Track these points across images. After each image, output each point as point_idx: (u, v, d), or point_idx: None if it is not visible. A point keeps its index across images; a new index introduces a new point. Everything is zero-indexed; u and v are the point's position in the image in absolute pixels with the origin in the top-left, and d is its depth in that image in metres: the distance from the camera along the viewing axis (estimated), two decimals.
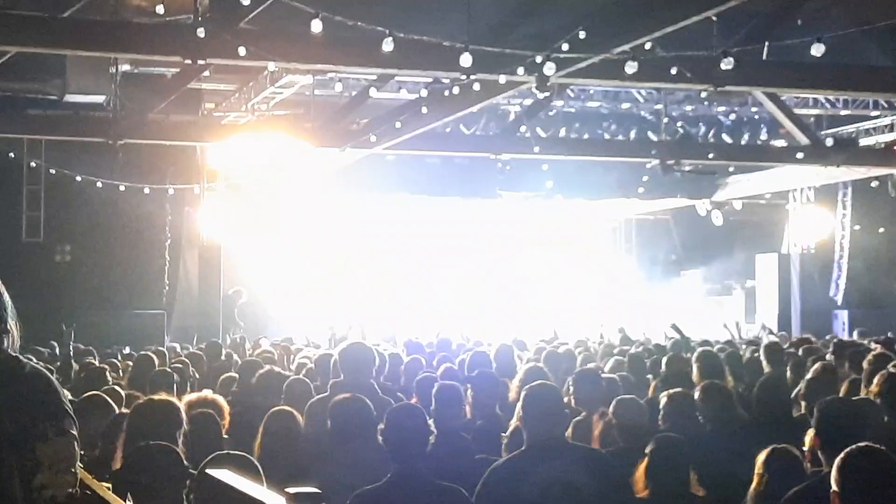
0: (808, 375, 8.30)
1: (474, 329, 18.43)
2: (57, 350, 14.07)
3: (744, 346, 13.08)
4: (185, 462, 4.60)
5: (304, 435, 6.77)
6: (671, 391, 7.09)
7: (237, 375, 9.60)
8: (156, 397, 5.89)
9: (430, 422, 5.42)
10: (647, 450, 5.48)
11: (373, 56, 10.58)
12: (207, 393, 7.14)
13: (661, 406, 6.83)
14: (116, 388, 9.24)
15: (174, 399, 6.04)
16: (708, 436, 6.73)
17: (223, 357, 12.77)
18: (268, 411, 6.52)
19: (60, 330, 14.69)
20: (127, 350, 15.46)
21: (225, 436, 6.26)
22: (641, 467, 5.45)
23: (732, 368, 9.96)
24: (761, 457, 5.10)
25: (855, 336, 16.85)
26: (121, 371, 12.00)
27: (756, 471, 5.07)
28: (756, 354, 11.06)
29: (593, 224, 28.14)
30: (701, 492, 5.44)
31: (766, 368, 10.05)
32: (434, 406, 6.68)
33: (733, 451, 6.22)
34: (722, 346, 12.49)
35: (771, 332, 17.47)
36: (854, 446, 3.95)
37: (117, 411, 6.62)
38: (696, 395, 6.99)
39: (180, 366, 10.42)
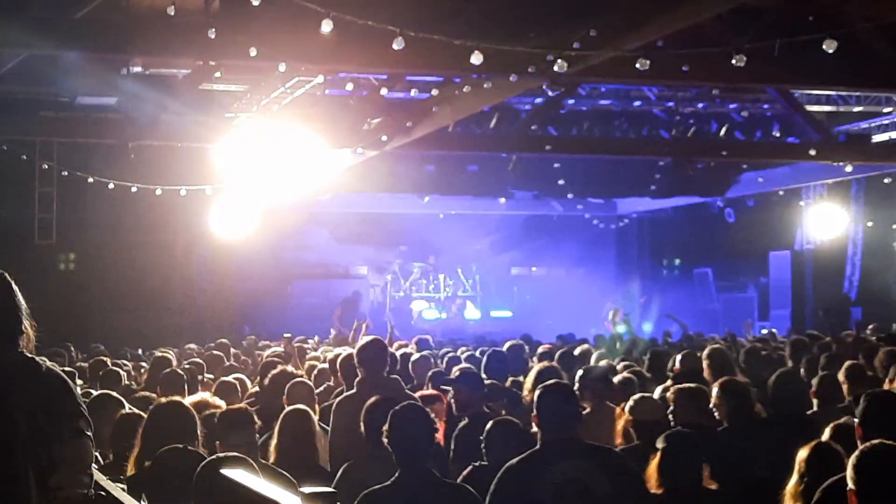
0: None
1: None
2: (72, 350, 14.10)
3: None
4: None
5: (333, 434, 6.84)
6: (681, 385, 7.09)
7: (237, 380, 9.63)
8: (172, 399, 5.88)
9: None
10: (660, 445, 5.48)
11: (384, 55, 10.56)
12: (205, 396, 7.15)
13: (671, 401, 6.83)
14: (128, 388, 9.29)
15: (186, 402, 6.04)
16: (722, 432, 6.72)
17: (232, 359, 12.80)
18: (280, 411, 6.55)
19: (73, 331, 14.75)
20: (139, 351, 15.49)
21: None
22: (654, 463, 5.44)
23: (748, 365, 9.95)
24: (802, 454, 4.99)
25: (869, 332, 16.77)
26: (131, 372, 12.04)
27: (797, 469, 4.97)
28: (779, 353, 11.06)
29: (605, 222, 28.10)
30: (714, 485, 5.42)
31: (790, 363, 10.06)
32: None
33: (747, 447, 6.21)
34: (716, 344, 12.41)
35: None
36: (868, 444, 3.92)
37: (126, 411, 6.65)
38: (714, 391, 6.97)
39: (192, 367, 10.44)
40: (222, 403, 6.79)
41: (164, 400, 6.03)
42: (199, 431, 5.40)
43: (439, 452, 6.19)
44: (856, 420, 4.90)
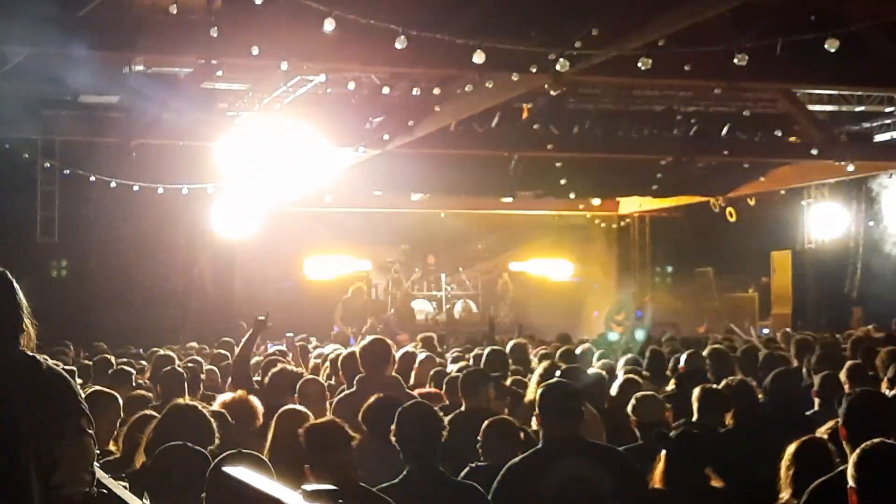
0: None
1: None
2: (72, 348, 14.11)
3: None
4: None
5: None
6: (708, 386, 7.11)
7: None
8: (189, 403, 5.77)
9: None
10: (665, 446, 5.47)
11: (386, 54, 10.57)
12: (242, 393, 7.06)
13: (694, 399, 6.84)
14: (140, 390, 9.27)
15: (201, 405, 5.96)
16: (726, 432, 6.72)
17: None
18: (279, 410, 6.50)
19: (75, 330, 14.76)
20: (140, 350, 15.49)
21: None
22: (660, 464, 5.44)
23: (748, 365, 9.95)
24: (791, 449, 5.02)
25: (871, 330, 16.74)
26: (135, 370, 12.02)
27: (784, 463, 4.99)
28: (777, 352, 11.05)
29: (606, 221, 28.07)
30: (719, 483, 5.42)
31: (795, 363, 10.08)
32: None
33: (751, 448, 6.20)
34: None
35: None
36: (870, 442, 3.93)
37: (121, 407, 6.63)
38: (721, 390, 6.99)
39: (192, 364, 10.45)
40: (258, 404, 6.65)
41: (181, 401, 5.89)
42: (215, 437, 5.27)
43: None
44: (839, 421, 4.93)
